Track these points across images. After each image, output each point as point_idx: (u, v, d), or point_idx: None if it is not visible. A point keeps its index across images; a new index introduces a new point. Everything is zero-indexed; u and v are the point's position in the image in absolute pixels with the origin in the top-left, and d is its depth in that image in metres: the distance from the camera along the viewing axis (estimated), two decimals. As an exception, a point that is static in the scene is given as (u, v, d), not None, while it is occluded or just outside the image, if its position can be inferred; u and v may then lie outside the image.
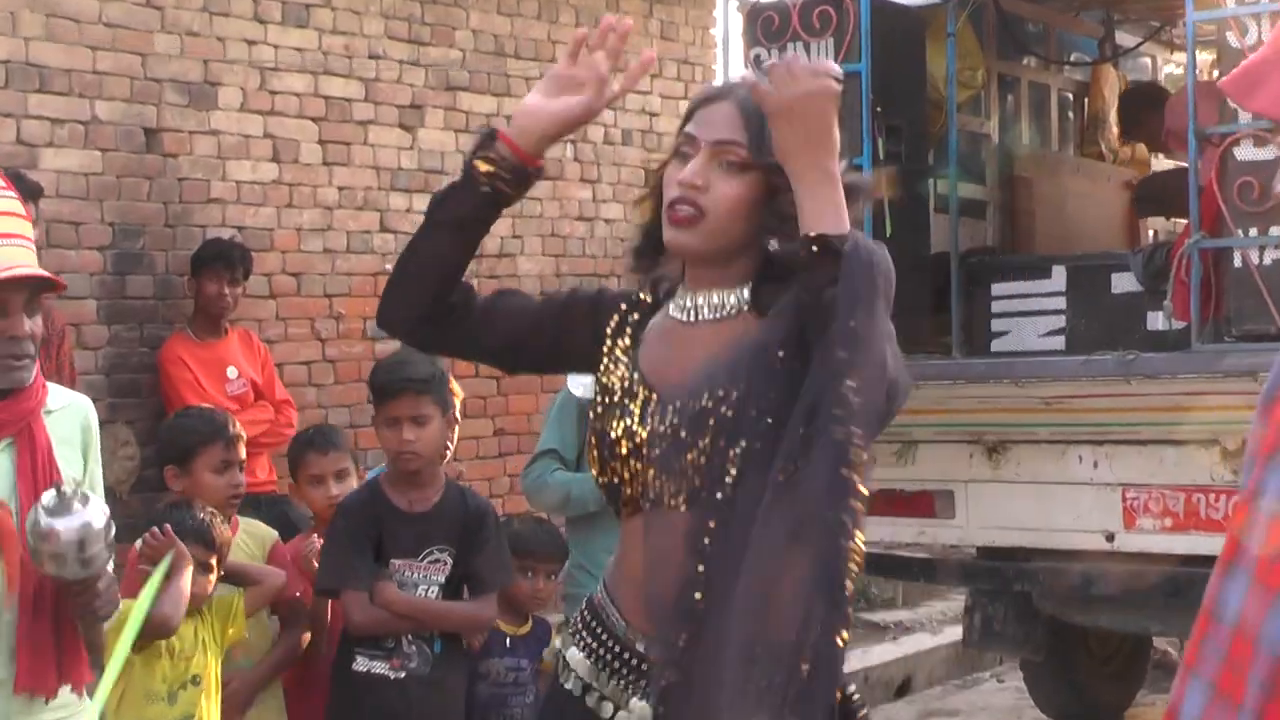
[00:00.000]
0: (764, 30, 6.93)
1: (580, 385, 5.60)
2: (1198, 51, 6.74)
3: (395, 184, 8.89)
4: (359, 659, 4.89)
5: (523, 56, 9.57)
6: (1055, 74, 8.82)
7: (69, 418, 3.49)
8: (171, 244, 7.83)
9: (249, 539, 5.11)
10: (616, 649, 2.78)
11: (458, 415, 5.29)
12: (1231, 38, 6.26)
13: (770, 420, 2.58)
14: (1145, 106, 8.38)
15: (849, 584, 2.50)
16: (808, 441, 2.49)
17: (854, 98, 6.75)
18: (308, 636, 5.11)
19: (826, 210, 2.55)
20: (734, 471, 2.61)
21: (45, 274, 3.32)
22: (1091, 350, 6.66)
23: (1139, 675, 8.36)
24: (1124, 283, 6.98)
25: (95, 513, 3.30)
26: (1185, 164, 6.56)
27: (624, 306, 2.91)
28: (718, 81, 2.55)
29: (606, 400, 2.82)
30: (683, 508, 2.67)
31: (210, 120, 8.05)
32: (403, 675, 4.88)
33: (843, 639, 2.48)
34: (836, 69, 2.65)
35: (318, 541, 5.16)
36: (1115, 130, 8.99)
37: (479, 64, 9.37)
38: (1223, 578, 1.82)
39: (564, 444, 5.75)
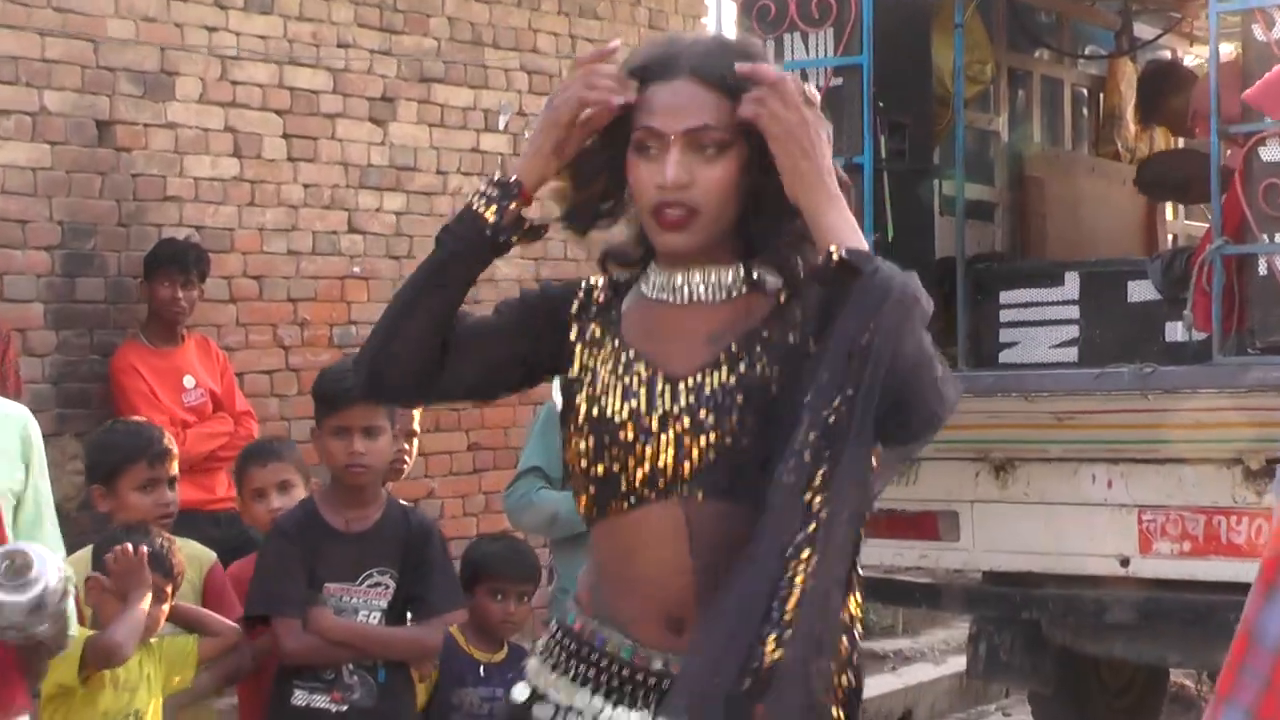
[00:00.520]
0: (759, 20, 6.93)
1: None
2: (1221, 44, 6.74)
3: (365, 181, 8.88)
4: (297, 692, 4.86)
5: (502, 46, 9.57)
6: (1069, 68, 8.83)
7: (7, 428, 3.48)
8: (125, 244, 7.81)
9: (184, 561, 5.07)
10: (625, 673, 2.76)
11: (415, 428, 5.27)
12: (1257, 30, 6.26)
13: (797, 403, 2.62)
14: (1167, 87, 8.38)
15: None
16: (831, 435, 2.56)
17: (855, 92, 6.76)
18: (255, 664, 5.05)
19: (844, 229, 2.67)
20: (758, 455, 2.64)
21: None
22: (1106, 363, 6.66)
23: (1155, 710, 8.36)
24: (1141, 291, 6.98)
25: (50, 571, 3.28)
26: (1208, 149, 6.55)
27: (580, 292, 2.91)
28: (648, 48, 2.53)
29: (594, 382, 2.79)
30: (699, 495, 2.69)
31: (167, 112, 8.03)
32: (345, 708, 4.85)
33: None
34: (815, 95, 2.74)
35: None
36: (1133, 128, 9.00)
37: (455, 54, 9.36)
38: (1264, 600, 1.81)
39: (549, 461, 5.74)
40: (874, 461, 2.62)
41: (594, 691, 2.78)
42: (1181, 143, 8.93)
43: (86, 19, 7.74)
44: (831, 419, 2.56)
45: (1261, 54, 6.25)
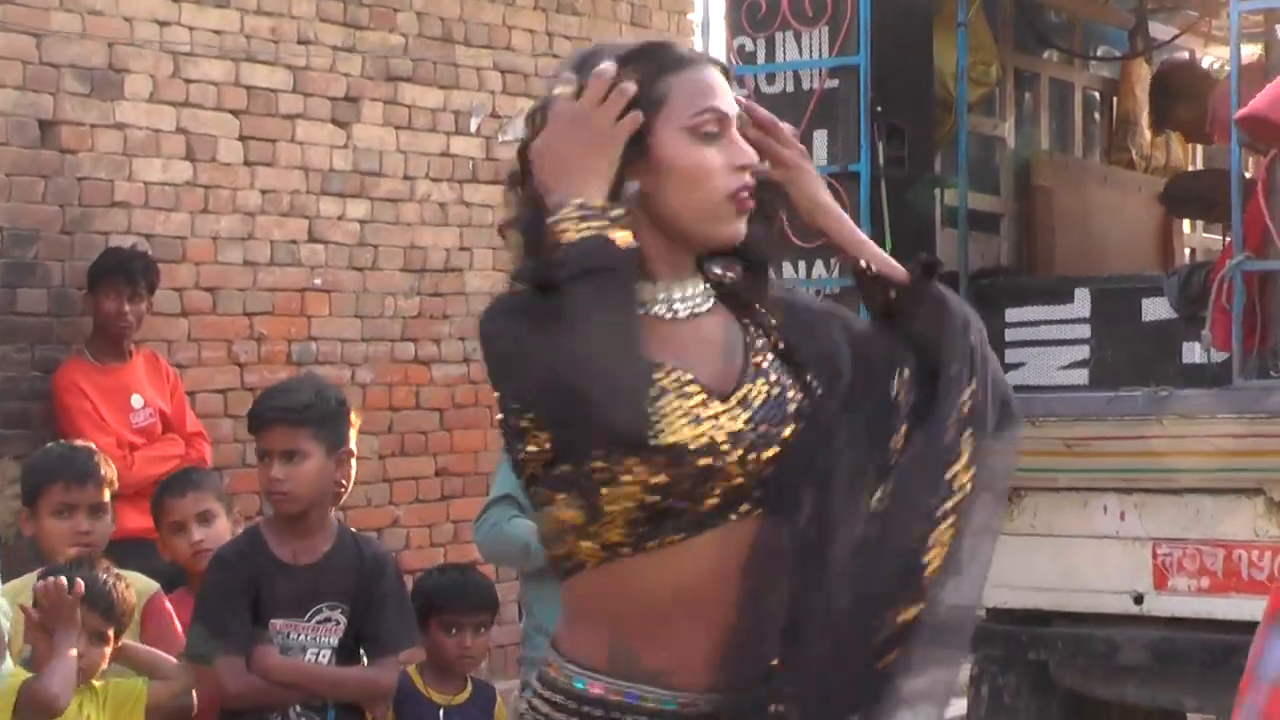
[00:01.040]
0: (749, 18, 6.94)
1: None
2: (1242, 45, 6.76)
3: (326, 187, 8.87)
4: None
5: (474, 43, 9.57)
6: (1080, 70, 8.84)
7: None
8: (69, 253, 7.80)
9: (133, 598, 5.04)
10: None
11: (353, 448, 5.25)
12: (1281, 30, 6.28)
13: (854, 417, 2.78)
14: (1182, 90, 8.40)
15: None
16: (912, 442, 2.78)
17: (851, 95, 6.77)
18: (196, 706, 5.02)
19: (883, 257, 2.90)
20: (802, 463, 2.75)
21: None
22: (1119, 385, 6.67)
23: (1170, 757, 8.36)
24: (1156, 309, 6.99)
25: None
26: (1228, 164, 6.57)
27: None
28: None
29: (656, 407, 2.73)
30: (756, 513, 2.74)
31: (115, 112, 8.02)
32: None
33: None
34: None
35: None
36: (1148, 134, 9.02)
37: (424, 51, 9.36)
38: (1268, 634, 1.83)
39: (520, 488, 5.72)
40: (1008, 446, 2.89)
41: None
42: (1200, 151, 8.95)
43: (29, 11, 7.73)
44: (967, 407, 2.80)
45: (1286, 55, 6.27)
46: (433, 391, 9.31)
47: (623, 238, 2.68)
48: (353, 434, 5.22)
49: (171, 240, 8.22)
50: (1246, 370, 6.32)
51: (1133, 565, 6.60)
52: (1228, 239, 6.87)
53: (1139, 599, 6.61)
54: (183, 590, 5.31)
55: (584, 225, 2.67)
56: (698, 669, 2.73)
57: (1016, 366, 7.24)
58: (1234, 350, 6.33)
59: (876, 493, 2.76)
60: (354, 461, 5.30)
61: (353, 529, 5.24)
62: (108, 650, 4.57)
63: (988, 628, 7.12)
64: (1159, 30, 8.97)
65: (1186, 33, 9.05)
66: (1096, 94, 9.00)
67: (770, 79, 7.06)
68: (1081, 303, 7.20)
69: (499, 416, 2.80)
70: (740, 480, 2.73)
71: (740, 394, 2.77)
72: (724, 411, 2.74)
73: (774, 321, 2.88)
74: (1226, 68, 7.22)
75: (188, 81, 8.32)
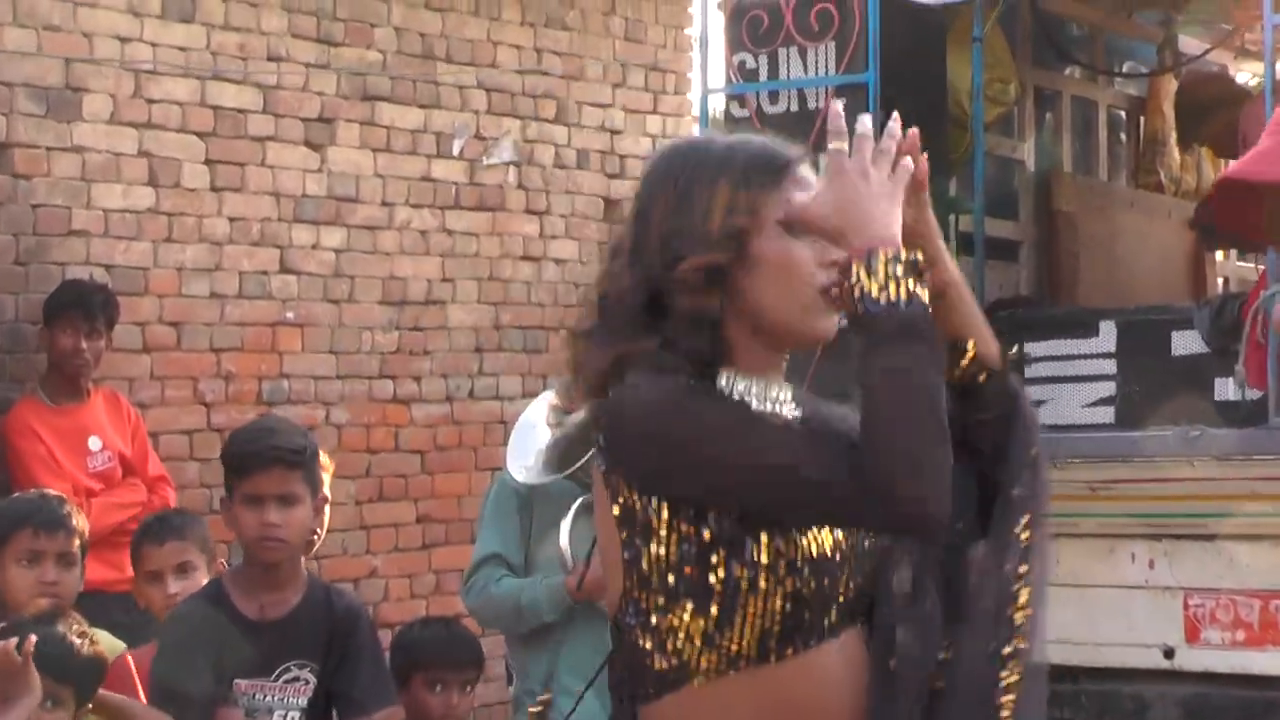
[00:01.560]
0: (750, 33, 6.97)
1: (522, 469, 5.56)
2: (1277, 61, 6.78)
3: (299, 214, 8.87)
4: None
5: (456, 60, 9.58)
6: (1104, 87, 8.87)
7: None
8: (23, 285, 7.80)
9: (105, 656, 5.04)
10: None
11: (327, 494, 5.24)
12: (1317, 45, 6.30)
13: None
14: (1212, 102, 8.42)
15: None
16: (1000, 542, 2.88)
17: (859, 114, 6.76)
18: None
19: (986, 328, 2.97)
20: (904, 571, 2.85)
21: None
22: (1147, 424, 6.67)
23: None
24: (1187, 342, 7.01)
25: None
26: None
27: None
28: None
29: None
30: (857, 623, 2.82)
31: (73, 134, 8.02)
32: None
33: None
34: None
35: None
36: (1177, 155, 9.04)
37: (403, 69, 9.37)
38: None
39: (506, 545, 5.71)
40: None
41: None
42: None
43: (-20, 27, 7.74)
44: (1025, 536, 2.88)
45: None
46: (413, 432, 9.29)
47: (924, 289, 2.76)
48: (326, 479, 5.23)
49: (133, 271, 8.21)
50: (1283, 408, 6.34)
51: (1163, 617, 6.60)
52: (1262, 267, 6.87)
53: (1169, 653, 6.61)
54: (155, 643, 5.32)
55: (903, 279, 2.72)
56: None
57: (1037, 404, 7.23)
58: (1270, 387, 6.34)
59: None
60: (328, 508, 5.30)
61: (325, 580, 5.22)
62: (65, 716, 4.55)
63: (1008, 684, 7.11)
64: (1188, 44, 9.00)
65: (1218, 47, 9.08)
66: (1122, 112, 9.02)
67: (773, 97, 7.08)
68: (1107, 336, 7.22)
69: (616, 512, 2.80)
70: (852, 589, 2.81)
71: None
72: None
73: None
74: (1260, 84, 7.24)
75: (150, 101, 8.32)
